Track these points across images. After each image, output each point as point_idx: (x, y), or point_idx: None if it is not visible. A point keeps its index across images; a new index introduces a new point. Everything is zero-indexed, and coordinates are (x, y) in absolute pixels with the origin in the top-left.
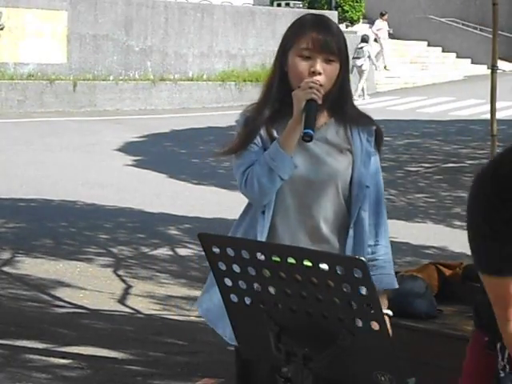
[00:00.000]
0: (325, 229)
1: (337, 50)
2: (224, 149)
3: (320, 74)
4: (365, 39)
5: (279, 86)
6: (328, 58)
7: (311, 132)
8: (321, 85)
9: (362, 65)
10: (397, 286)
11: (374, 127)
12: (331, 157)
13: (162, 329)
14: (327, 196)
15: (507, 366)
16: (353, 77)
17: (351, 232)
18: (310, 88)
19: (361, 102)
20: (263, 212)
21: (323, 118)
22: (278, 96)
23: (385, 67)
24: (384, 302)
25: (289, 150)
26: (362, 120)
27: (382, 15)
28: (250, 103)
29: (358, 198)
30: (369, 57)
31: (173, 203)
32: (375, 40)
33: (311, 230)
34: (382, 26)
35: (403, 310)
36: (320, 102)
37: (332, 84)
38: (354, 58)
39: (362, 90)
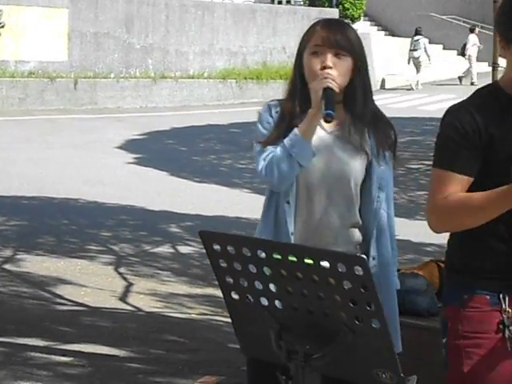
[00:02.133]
0: (339, 224)
1: (348, 46)
2: (263, 141)
3: (330, 67)
4: (419, 31)
5: (301, 87)
6: (338, 53)
7: (331, 112)
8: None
9: (419, 56)
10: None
11: (393, 131)
12: (347, 155)
13: (163, 326)
14: (340, 192)
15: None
16: (409, 68)
17: (375, 233)
18: (325, 78)
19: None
20: (288, 202)
21: (341, 116)
22: (301, 97)
23: (472, 83)
24: None
25: (308, 137)
26: (381, 122)
27: (472, 30)
28: (273, 99)
29: (380, 200)
30: (425, 49)
31: (174, 201)
32: (462, 54)
33: (324, 223)
34: (475, 41)
35: (404, 308)
36: (337, 90)
37: (347, 80)
38: (411, 50)
39: (417, 80)
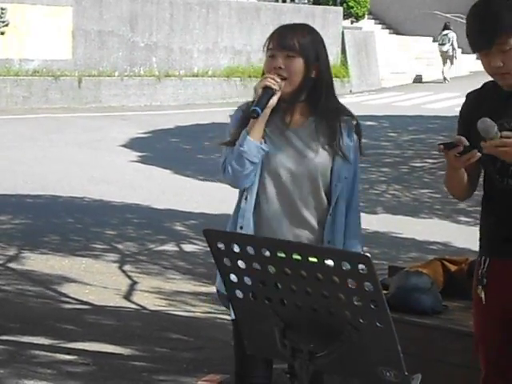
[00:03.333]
0: (306, 214)
1: (298, 47)
2: (223, 141)
3: (281, 68)
4: (447, 26)
5: None
6: (288, 54)
7: (257, 109)
8: (284, 78)
9: (447, 50)
10: None
11: (355, 122)
12: (313, 152)
13: (168, 325)
14: (308, 188)
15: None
16: (433, 62)
17: (329, 219)
18: (266, 78)
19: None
20: (246, 198)
21: (304, 115)
22: None
23: None
24: None
25: (254, 135)
26: (342, 115)
27: None
28: (245, 101)
29: (337, 188)
30: (452, 43)
31: (178, 199)
32: None
33: (293, 215)
34: None
35: (409, 306)
36: (276, 87)
37: (301, 80)
38: (439, 44)
39: (442, 72)
